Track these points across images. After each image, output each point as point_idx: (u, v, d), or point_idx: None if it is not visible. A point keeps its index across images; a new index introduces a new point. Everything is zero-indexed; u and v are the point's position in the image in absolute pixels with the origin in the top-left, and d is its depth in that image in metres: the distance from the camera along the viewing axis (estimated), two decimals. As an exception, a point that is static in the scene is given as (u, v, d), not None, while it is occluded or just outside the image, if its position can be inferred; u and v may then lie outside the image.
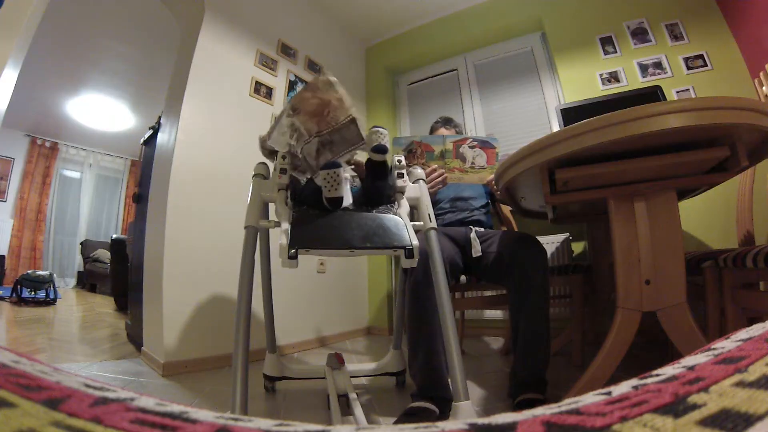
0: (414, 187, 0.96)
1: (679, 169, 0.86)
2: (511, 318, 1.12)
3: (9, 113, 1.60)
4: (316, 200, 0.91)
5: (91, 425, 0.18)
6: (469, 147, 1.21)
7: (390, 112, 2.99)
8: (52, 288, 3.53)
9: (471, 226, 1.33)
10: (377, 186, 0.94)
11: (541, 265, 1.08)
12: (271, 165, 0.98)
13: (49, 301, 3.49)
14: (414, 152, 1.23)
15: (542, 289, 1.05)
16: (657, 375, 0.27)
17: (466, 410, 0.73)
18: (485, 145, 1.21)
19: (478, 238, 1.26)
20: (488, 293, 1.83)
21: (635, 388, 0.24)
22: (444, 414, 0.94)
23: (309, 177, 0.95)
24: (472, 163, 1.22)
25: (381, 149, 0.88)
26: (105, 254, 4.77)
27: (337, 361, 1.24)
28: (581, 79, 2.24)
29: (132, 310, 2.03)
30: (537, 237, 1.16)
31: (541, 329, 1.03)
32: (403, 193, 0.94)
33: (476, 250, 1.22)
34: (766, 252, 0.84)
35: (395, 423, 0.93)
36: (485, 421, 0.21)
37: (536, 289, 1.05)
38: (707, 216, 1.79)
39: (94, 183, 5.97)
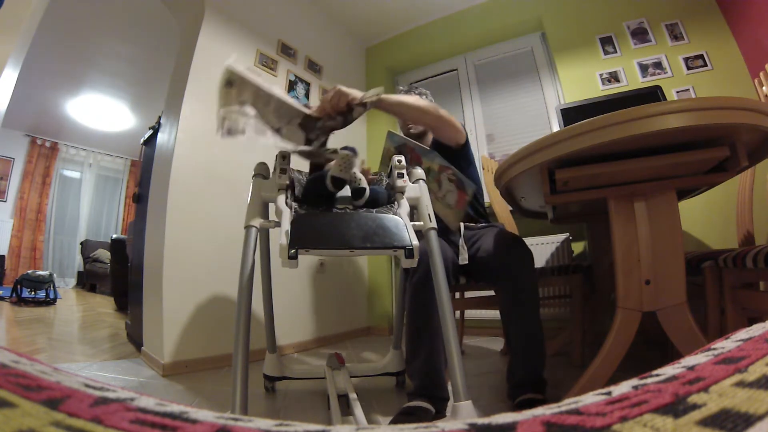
0: (414, 187, 0.96)
1: (679, 169, 0.86)
2: (502, 321, 1.11)
3: (9, 113, 1.60)
4: (318, 191, 0.93)
5: (91, 425, 0.18)
6: (448, 179, 1.15)
7: (390, 112, 2.98)
8: (52, 288, 3.53)
9: (460, 227, 1.29)
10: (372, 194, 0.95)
11: (527, 267, 1.06)
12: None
13: (49, 301, 3.49)
14: (403, 154, 1.21)
15: (531, 291, 1.05)
16: (657, 375, 0.27)
17: (467, 410, 0.72)
18: (460, 185, 1.13)
19: (467, 236, 1.25)
20: (488, 293, 1.83)
21: (635, 388, 0.24)
22: (440, 413, 0.95)
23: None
24: (444, 195, 1.15)
25: (338, 182, 0.90)
26: (105, 254, 4.77)
27: (337, 361, 1.24)
28: (581, 79, 2.24)
29: (132, 310, 2.03)
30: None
31: (534, 331, 1.02)
32: (403, 193, 0.94)
33: (463, 258, 1.19)
34: (766, 252, 0.84)
35: (391, 422, 0.93)
36: (485, 421, 0.21)
37: (525, 291, 1.04)
38: (707, 216, 1.79)
39: (94, 183, 5.97)
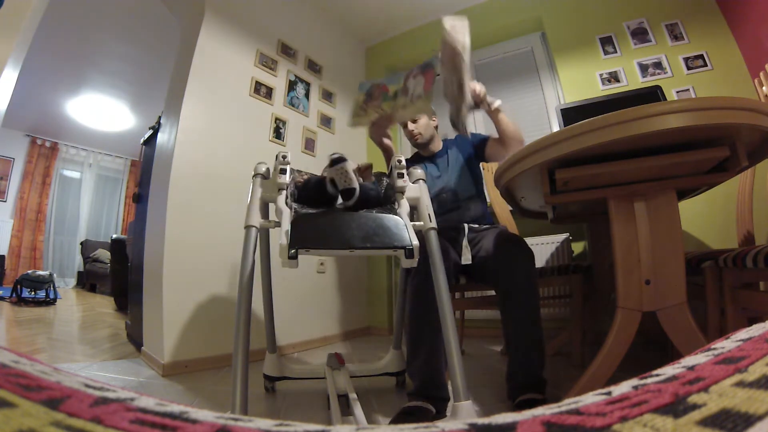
0: (414, 187, 0.96)
1: (679, 169, 0.86)
2: (502, 322, 1.10)
3: (9, 113, 1.60)
4: (319, 194, 0.95)
5: (91, 425, 0.18)
6: (413, 77, 1.07)
7: (390, 112, 2.99)
8: (52, 288, 3.53)
9: (464, 228, 1.29)
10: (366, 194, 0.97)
11: (526, 269, 1.06)
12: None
13: (49, 301, 3.49)
14: (372, 95, 1.15)
15: (530, 292, 1.04)
16: (657, 375, 0.27)
17: (467, 410, 0.73)
18: (426, 68, 1.03)
19: (470, 237, 1.25)
20: (488, 293, 1.83)
21: (635, 388, 0.24)
22: (440, 413, 0.95)
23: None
24: (413, 92, 1.06)
25: (345, 190, 0.94)
26: (105, 254, 4.77)
27: (337, 361, 1.24)
28: (581, 79, 2.24)
29: (132, 310, 2.03)
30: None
31: (533, 331, 1.02)
32: (403, 192, 0.94)
33: (466, 258, 1.20)
34: (766, 252, 0.83)
35: (391, 422, 0.93)
36: (485, 421, 0.21)
37: (524, 292, 1.04)
38: (707, 216, 1.79)
39: (94, 183, 5.97)
